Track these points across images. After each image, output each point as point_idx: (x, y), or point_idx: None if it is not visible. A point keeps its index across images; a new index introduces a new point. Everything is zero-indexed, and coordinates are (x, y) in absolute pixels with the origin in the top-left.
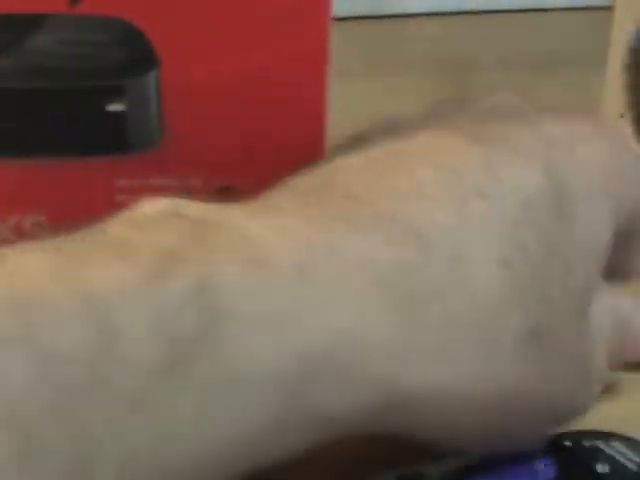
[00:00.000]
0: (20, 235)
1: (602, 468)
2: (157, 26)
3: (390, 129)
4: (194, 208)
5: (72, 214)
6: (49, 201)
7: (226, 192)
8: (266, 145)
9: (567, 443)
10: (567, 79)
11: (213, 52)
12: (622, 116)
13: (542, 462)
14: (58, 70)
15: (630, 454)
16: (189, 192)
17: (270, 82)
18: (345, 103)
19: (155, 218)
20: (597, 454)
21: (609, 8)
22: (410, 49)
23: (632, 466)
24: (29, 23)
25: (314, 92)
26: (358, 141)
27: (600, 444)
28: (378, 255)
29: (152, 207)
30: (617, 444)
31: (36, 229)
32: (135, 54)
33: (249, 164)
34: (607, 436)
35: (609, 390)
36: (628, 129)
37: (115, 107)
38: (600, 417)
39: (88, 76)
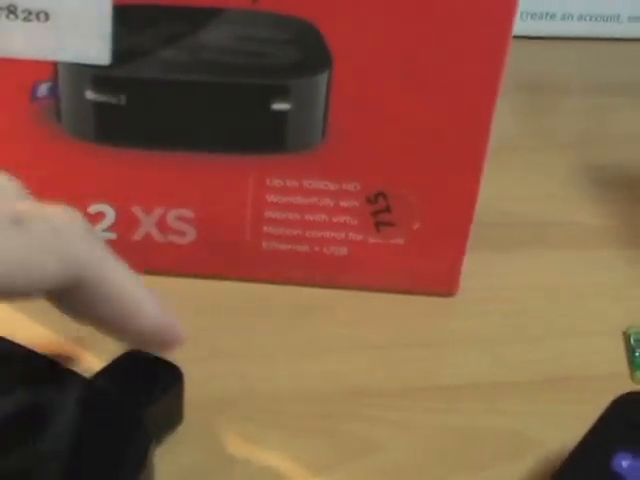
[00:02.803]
0: (164, 229)
1: None
2: (335, 27)
3: None
4: None
5: (220, 211)
6: (197, 196)
7: (379, 198)
8: (425, 153)
9: None
10: None
11: (384, 55)
12: None
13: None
14: (229, 65)
15: None
16: (344, 197)
17: (436, 91)
18: None
19: None
20: None
21: None
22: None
23: None
24: (206, 16)
25: (482, 102)
26: None
27: None
28: None
29: None
30: None
31: (181, 224)
32: (309, 54)
33: (406, 172)
34: None
35: None
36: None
37: (280, 106)
38: None
39: (258, 73)
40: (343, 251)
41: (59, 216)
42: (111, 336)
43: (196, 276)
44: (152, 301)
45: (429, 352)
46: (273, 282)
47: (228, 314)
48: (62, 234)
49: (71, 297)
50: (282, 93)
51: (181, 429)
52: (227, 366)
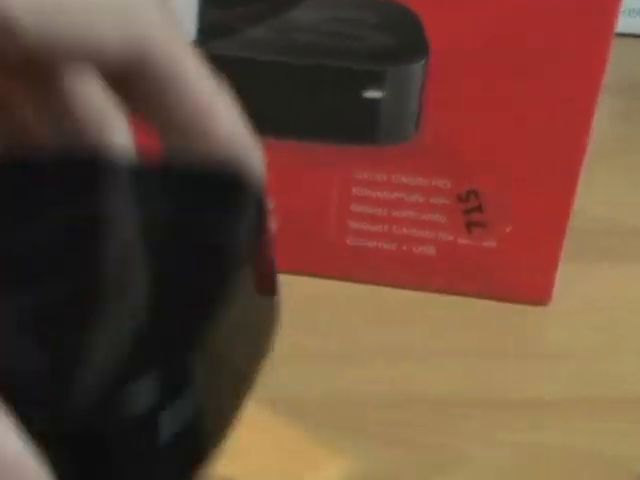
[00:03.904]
0: None
1: None
2: (434, 18)
3: None
4: None
5: (304, 203)
6: (280, 186)
7: (471, 197)
8: (522, 152)
9: None
10: None
11: (484, 51)
12: None
13: None
14: (319, 47)
15: None
16: (434, 194)
17: (536, 90)
18: None
19: None
20: None
21: None
22: None
23: None
24: None
25: (583, 103)
26: None
27: None
28: None
29: None
30: None
31: None
32: (405, 41)
33: (500, 171)
34: None
35: None
36: None
37: (372, 94)
38: None
39: (350, 57)
40: (431, 251)
41: None
42: (176, 145)
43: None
44: (229, 107)
45: (516, 363)
46: (356, 281)
47: (309, 313)
48: None
49: (134, 86)
50: (376, 80)
51: (254, 432)
52: (307, 367)
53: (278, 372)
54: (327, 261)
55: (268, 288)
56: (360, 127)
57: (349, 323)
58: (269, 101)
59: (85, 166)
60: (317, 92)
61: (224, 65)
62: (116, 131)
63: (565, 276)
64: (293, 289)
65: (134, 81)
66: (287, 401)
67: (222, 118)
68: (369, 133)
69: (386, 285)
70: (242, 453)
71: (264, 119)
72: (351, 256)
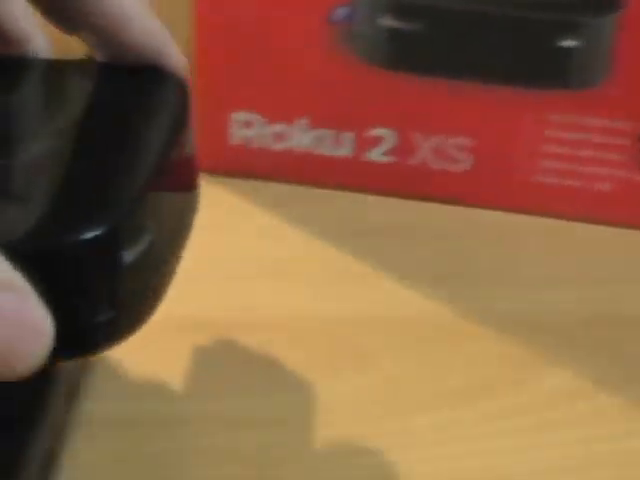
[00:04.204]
0: (440, 155)
1: None
2: None
3: None
4: None
5: (498, 142)
6: (476, 126)
7: None
8: None
9: None
10: None
11: None
12: None
13: None
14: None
15: None
16: (615, 134)
17: None
18: None
19: None
20: None
21: None
22: None
23: None
24: None
25: None
26: None
27: None
28: None
29: None
30: None
31: (458, 152)
32: None
33: None
34: None
35: None
36: None
37: (568, 43)
38: None
39: (549, 8)
40: (607, 187)
41: None
42: (93, 48)
43: (467, 204)
44: (141, 8)
45: None
46: (536, 214)
47: (505, 244)
48: None
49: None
50: (573, 30)
51: (475, 345)
52: (511, 288)
53: (488, 292)
54: (514, 196)
55: (188, 177)
56: (554, 73)
57: (527, 252)
58: (471, 49)
59: (7, 66)
60: (515, 41)
61: (438, 15)
62: (37, 45)
63: None
64: (486, 221)
65: None
66: (500, 316)
67: (135, 17)
68: (562, 79)
69: (567, 219)
70: (464, 364)
71: (470, 65)
72: (537, 192)
